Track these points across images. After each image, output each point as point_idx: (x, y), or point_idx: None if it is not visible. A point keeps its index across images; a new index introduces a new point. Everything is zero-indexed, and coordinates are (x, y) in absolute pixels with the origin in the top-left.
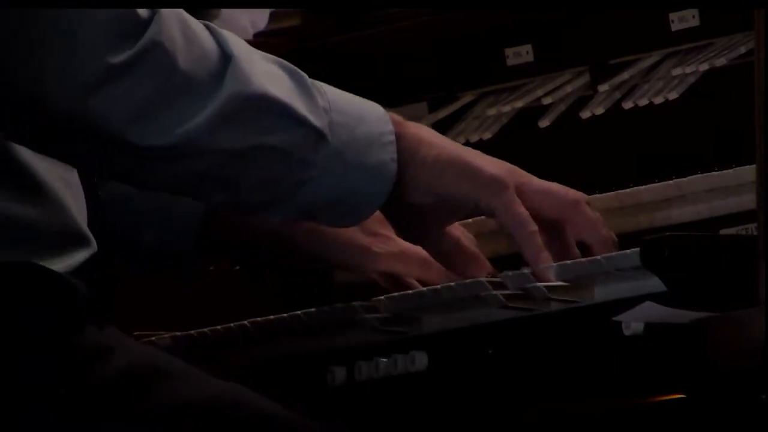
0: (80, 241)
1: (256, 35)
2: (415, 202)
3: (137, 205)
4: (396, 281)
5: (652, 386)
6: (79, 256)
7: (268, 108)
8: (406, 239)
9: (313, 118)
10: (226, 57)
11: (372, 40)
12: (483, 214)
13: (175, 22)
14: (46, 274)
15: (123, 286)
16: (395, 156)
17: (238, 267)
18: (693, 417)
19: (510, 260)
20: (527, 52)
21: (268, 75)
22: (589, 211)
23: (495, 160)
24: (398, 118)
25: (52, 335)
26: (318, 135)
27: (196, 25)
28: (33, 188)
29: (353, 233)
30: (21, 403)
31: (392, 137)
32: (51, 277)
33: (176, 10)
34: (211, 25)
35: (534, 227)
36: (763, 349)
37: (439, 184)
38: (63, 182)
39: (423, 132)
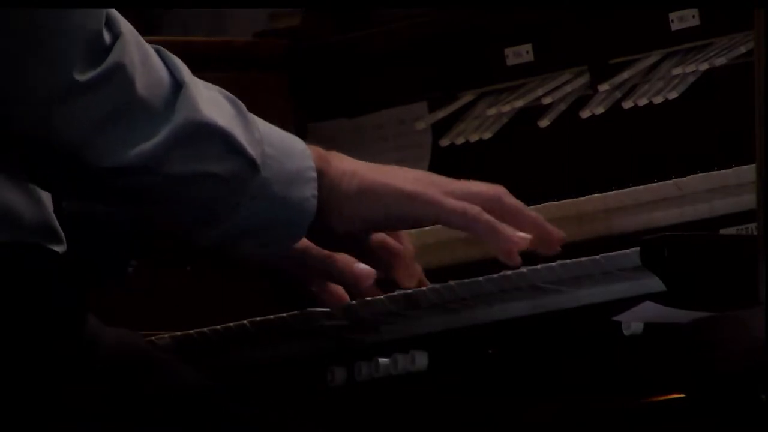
0: (52, 236)
1: (256, 35)
2: (344, 231)
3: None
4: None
5: (652, 386)
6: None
7: (214, 136)
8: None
9: (250, 149)
10: (177, 84)
11: (372, 40)
12: (423, 226)
13: (134, 45)
14: (54, 256)
15: (122, 287)
16: (315, 192)
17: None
18: (693, 417)
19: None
20: (527, 52)
21: (213, 103)
22: (512, 200)
23: (414, 173)
24: (322, 152)
25: (75, 313)
26: (252, 165)
27: (150, 49)
28: (8, 175)
29: None
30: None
31: (314, 173)
32: (61, 260)
33: (134, 32)
34: (162, 49)
35: (476, 209)
36: (763, 349)
37: (368, 212)
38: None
39: (345, 164)
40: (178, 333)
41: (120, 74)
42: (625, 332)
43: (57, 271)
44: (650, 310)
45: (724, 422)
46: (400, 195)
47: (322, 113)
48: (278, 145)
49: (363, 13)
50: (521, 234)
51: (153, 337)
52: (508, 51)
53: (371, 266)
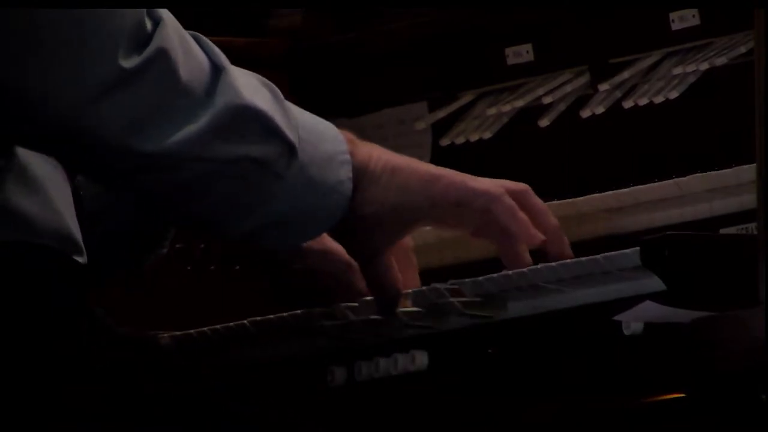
0: (70, 247)
1: (256, 35)
2: (366, 216)
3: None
4: (311, 281)
5: (652, 386)
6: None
7: (254, 120)
8: (352, 256)
9: (288, 132)
10: (217, 69)
11: (372, 40)
12: (444, 217)
13: (174, 31)
14: (59, 256)
15: (123, 287)
16: (350, 175)
17: (238, 267)
18: (693, 417)
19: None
20: (527, 52)
21: (252, 88)
22: (539, 200)
23: (440, 167)
24: (350, 136)
25: (75, 312)
26: (290, 149)
27: (188, 35)
28: (32, 187)
29: None
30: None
31: (348, 156)
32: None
33: (172, 18)
34: (199, 35)
35: (500, 190)
36: (763, 349)
37: (391, 192)
38: (56, 186)
39: (372, 149)
40: (178, 333)
41: (163, 59)
42: (625, 332)
43: (57, 271)
44: (650, 310)
45: (724, 422)
46: (426, 176)
47: (322, 113)
48: (312, 129)
49: (363, 13)
50: (536, 232)
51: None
52: (508, 51)
53: (374, 271)
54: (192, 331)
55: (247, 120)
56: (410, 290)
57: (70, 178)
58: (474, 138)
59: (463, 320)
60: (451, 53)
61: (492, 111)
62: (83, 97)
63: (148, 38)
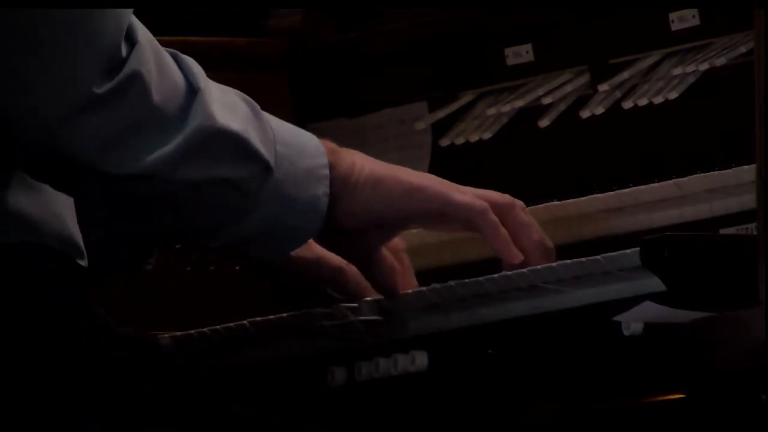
0: (72, 250)
1: (256, 35)
2: (353, 225)
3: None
4: (309, 283)
5: (652, 386)
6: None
7: (228, 142)
8: (346, 259)
9: (264, 151)
10: (192, 90)
11: (372, 40)
12: (429, 223)
13: (151, 53)
14: (59, 256)
15: (123, 287)
16: (327, 190)
17: (238, 267)
18: (693, 417)
19: (480, 266)
20: (527, 52)
21: (228, 107)
22: (526, 215)
23: (423, 173)
24: (332, 145)
25: (75, 312)
26: (266, 168)
27: (166, 55)
28: (28, 188)
29: None
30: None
31: (326, 171)
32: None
33: (151, 39)
34: (178, 54)
35: (484, 205)
36: (763, 349)
37: (373, 201)
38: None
39: (354, 158)
40: (178, 333)
41: (137, 83)
42: (625, 332)
43: (57, 271)
44: (650, 310)
45: (724, 422)
46: (409, 187)
47: (322, 113)
48: (291, 143)
49: (363, 13)
50: (516, 251)
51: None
52: (508, 51)
53: (371, 273)
54: (192, 331)
55: (220, 143)
56: (410, 290)
57: None
58: (474, 138)
59: (465, 318)
60: (451, 53)
61: (492, 111)
62: (56, 117)
63: (122, 62)
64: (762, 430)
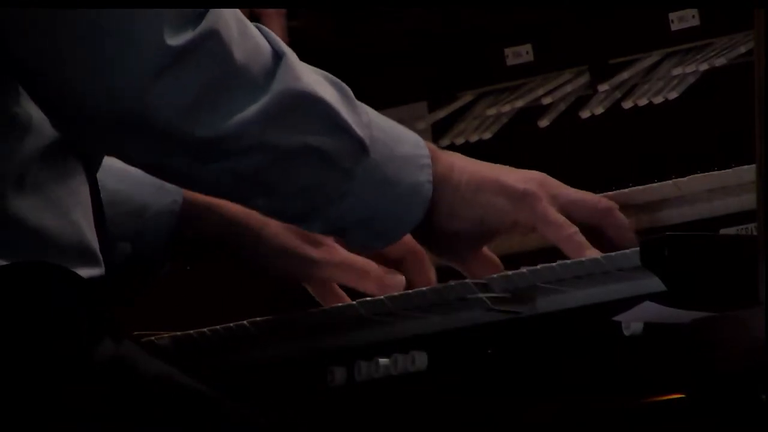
0: (87, 259)
1: None
2: (451, 228)
3: (110, 217)
4: (328, 291)
5: (652, 386)
6: (82, 273)
7: (316, 108)
8: (443, 260)
9: (356, 128)
10: (278, 54)
11: (372, 40)
12: (521, 230)
13: (231, 14)
14: (63, 272)
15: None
16: (430, 178)
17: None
18: (693, 417)
19: (522, 257)
20: (527, 52)
21: (316, 80)
22: (621, 217)
23: (525, 172)
24: (432, 145)
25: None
26: (360, 146)
27: (248, 21)
28: (42, 197)
29: (295, 242)
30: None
31: (428, 161)
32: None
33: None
34: (262, 26)
35: (573, 228)
36: (763, 349)
37: (474, 206)
38: (76, 199)
39: (455, 158)
40: (178, 333)
41: (215, 41)
42: (625, 332)
43: (57, 271)
44: (650, 310)
45: (724, 422)
46: (511, 192)
47: None
48: (389, 131)
49: (363, 13)
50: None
51: (153, 337)
52: (508, 51)
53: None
54: (192, 331)
55: (308, 108)
56: (410, 291)
57: (93, 191)
58: (474, 138)
59: (465, 318)
60: (451, 53)
61: (492, 111)
62: (132, 82)
63: (198, 17)
64: (762, 430)
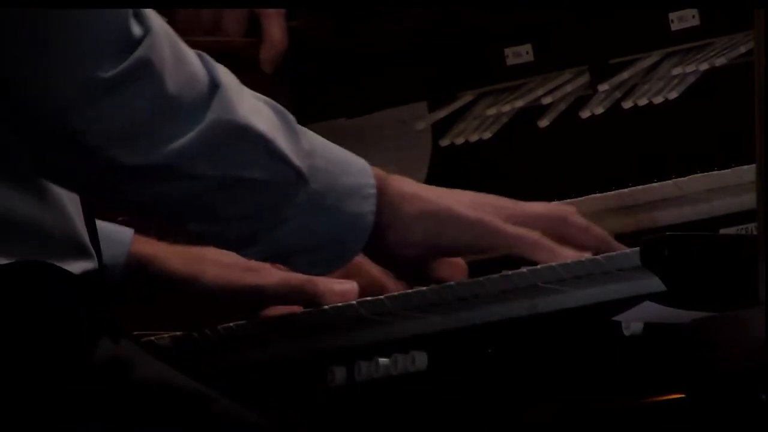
0: (81, 253)
1: (256, 35)
2: (402, 254)
3: None
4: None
5: (652, 386)
6: (77, 266)
7: (250, 140)
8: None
9: (294, 158)
10: (213, 84)
11: (372, 40)
12: (484, 254)
13: (166, 42)
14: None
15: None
16: (373, 209)
17: None
18: (693, 417)
19: (511, 260)
20: (527, 52)
21: (253, 109)
22: (580, 219)
23: (477, 197)
24: (381, 173)
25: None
26: (298, 175)
27: (186, 49)
28: (38, 193)
29: (235, 275)
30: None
31: (373, 191)
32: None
33: (167, 30)
34: (203, 54)
35: (536, 234)
36: (763, 349)
37: (428, 237)
38: (69, 195)
39: (405, 186)
40: (178, 333)
41: (147, 71)
42: (625, 332)
43: (58, 271)
44: (650, 310)
45: (724, 422)
46: (462, 222)
47: (322, 113)
48: (334, 160)
49: (363, 13)
50: None
51: (153, 337)
52: (508, 51)
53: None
54: (192, 331)
55: (242, 139)
56: (410, 290)
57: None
58: (474, 138)
59: (465, 318)
60: (451, 53)
61: (492, 111)
62: (60, 105)
63: (132, 48)
64: (762, 430)
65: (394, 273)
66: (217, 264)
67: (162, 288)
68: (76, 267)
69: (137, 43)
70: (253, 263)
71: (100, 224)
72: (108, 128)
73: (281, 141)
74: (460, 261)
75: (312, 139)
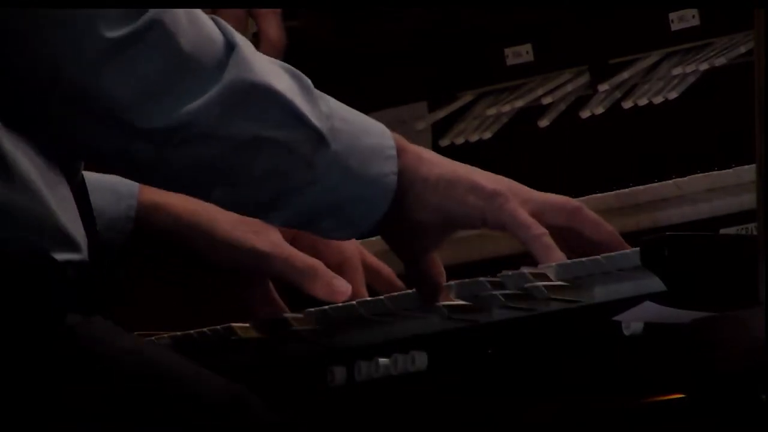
0: (66, 244)
1: (256, 35)
2: (419, 219)
3: None
4: (267, 297)
5: (652, 386)
6: (61, 256)
7: (269, 99)
8: (399, 256)
9: (314, 119)
10: (230, 45)
11: (372, 40)
12: (490, 228)
13: (180, 3)
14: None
15: (123, 286)
16: (395, 170)
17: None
18: (693, 417)
19: (510, 260)
20: (527, 52)
21: (271, 70)
22: (592, 213)
23: (494, 176)
24: (399, 137)
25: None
26: (319, 137)
27: (200, 12)
28: (18, 184)
29: (247, 235)
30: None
31: (393, 152)
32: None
33: None
34: (218, 18)
35: (543, 230)
36: (763, 349)
37: (445, 201)
38: (50, 184)
39: (423, 152)
40: (178, 333)
41: (159, 30)
42: (625, 332)
43: (56, 271)
44: (650, 310)
45: (724, 422)
46: (481, 191)
47: None
48: (353, 122)
49: (363, 13)
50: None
51: (153, 337)
52: (508, 51)
53: (416, 272)
54: (192, 331)
55: (261, 99)
56: (452, 282)
57: (70, 180)
58: (474, 138)
59: (505, 313)
60: (451, 53)
61: (492, 111)
62: (76, 73)
63: (142, 10)
64: (762, 430)
65: (395, 244)
66: (229, 218)
67: (169, 242)
68: (57, 256)
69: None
70: (270, 233)
71: (106, 177)
72: (122, 91)
73: (300, 102)
74: (442, 270)
75: (330, 102)
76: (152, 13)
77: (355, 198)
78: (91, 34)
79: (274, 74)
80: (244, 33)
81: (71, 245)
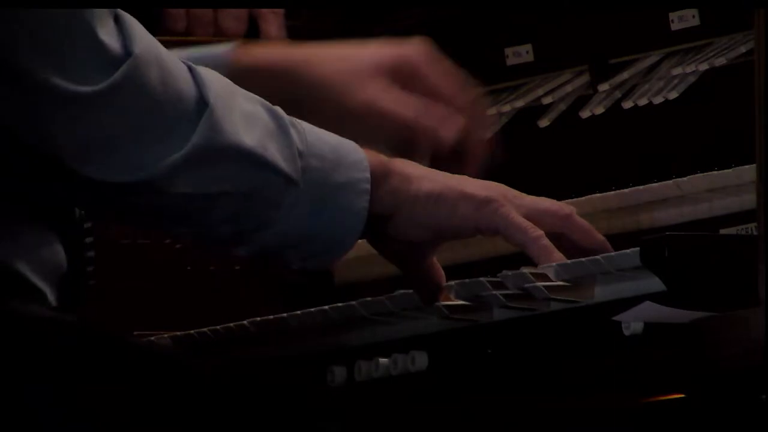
0: (28, 293)
1: (256, 35)
2: (410, 237)
3: None
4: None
5: (652, 386)
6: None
7: (238, 158)
8: (397, 267)
9: (284, 165)
10: (202, 103)
11: (372, 40)
12: (484, 235)
13: (153, 62)
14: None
15: (123, 286)
16: (367, 206)
17: (238, 267)
18: (693, 417)
19: (510, 260)
20: (527, 52)
21: (244, 119)
22: (581, 221)
23: (486, 182)
24: (383, 159)
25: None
26: (287, 180)
27: (177, 66)
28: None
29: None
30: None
31: (367, 185)
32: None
33: (157, 49)
34: (194, 67)
35: (539, 232)
36: (763, 349)
37: (434, 217)
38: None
39: (412, 169)
40: (178, 333)
41: (127, 89)
42: (625, 332)
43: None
44: (650, 310)
45: (724, 422)
46: (472, 199)
47: None
48: (327, 158)
49: (363, 13)
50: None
51: (153, 337)
52: (507, 51)
53: (418, 277)
54: (192, 331)
55: (228, 158)
56: (452, 282)
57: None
58: None
59: (505, 313)
60: (451, 53)
61: (492, 111)
62: (34, 119)
63: (113, 68)
64: (762, 430)
65: (397, 262)
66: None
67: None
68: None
69: (119, 62)
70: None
71: (199, 50)
72: (87, 146)
73: (272, 148)
74: (442, 271)
75: (307, 135)
76: (124, 70)
77: (321, 233)
78: (62, 88)
79: (247, 124)
80: (244, 33)
81: (34, 294)
